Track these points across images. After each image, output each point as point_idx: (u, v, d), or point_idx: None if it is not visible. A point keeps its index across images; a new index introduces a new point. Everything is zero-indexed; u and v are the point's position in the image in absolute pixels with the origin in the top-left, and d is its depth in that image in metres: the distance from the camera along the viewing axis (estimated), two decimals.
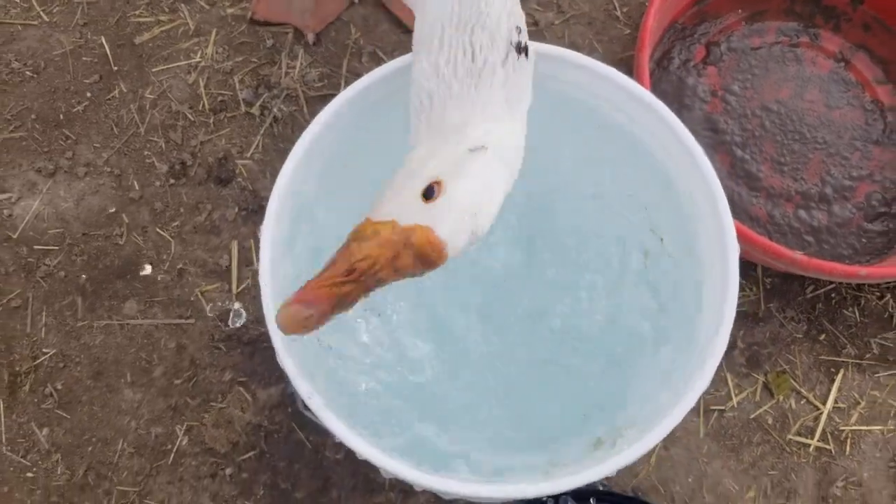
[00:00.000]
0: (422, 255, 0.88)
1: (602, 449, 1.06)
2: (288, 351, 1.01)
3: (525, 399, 1.28)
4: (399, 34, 1.87)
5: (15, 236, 1.72)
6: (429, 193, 0.90)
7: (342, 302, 0.86)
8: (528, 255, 1.34)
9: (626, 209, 1.27)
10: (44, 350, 1.65)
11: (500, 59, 0.97)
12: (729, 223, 1.04)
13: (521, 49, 1.00)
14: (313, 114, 1.75)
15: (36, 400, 1.63)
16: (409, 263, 0.88)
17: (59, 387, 1.63)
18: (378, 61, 1.85)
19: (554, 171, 1.29)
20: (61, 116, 1.80)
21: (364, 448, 0.97)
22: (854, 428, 1.63)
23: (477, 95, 0.96)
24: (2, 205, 1.74)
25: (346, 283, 0.86)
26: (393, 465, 0.97)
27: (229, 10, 1.87)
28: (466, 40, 0.97)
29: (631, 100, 1.14)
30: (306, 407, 1.02)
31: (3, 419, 1.61)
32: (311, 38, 1.84)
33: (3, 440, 1.60)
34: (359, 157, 1.20)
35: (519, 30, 1.01)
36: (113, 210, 1.74)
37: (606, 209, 1.29)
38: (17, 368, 1.65)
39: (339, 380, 1.20)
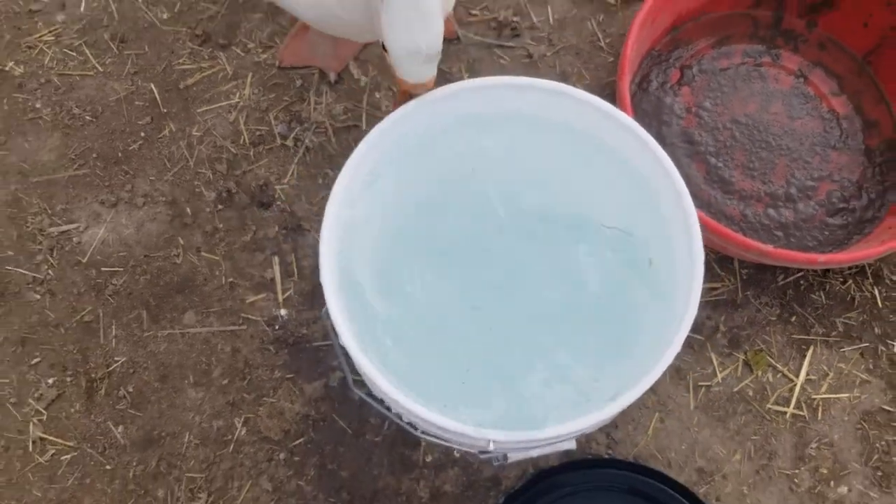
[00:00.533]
0: (415, 90, 1.36)
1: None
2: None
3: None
4: None
5: (84, 261, 1.97)
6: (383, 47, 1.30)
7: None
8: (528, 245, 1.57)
9: (611, 210, 1.50)
10: (115, 358, 1.89)
11: None
12: (692, 211, 1.28)
13: None
14: (340, 143, 2.04)
15: (111, 402, 1.86)
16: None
17: (131, 389, 1.87)
18: (392, 95, 2.11)
19: (553, 182, 1.53)
20: (119, 154, 2.05)
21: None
22: (824, 396, 1.87)
23: None
24: (71, 233, 1.99)
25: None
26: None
27: (262, 56, 2.13)
28: None
29: (609, 121, 1.39)
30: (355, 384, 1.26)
31: (83, 420, 1.85)
32: (333, 77, 2.10)
33: (85, 438, 1.84)
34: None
35: None
36: (169, 234, 1.98)
37: (597, 211, 1.53)
38: (93, 375, 1.88)
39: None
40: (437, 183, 1.54)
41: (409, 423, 1.44)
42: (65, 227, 1.99)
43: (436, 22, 1.23)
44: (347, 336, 1.24)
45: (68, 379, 1.88)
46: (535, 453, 1.47)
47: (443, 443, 1.52)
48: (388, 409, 1.66)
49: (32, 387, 1.87)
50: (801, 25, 2.15)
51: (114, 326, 1.92)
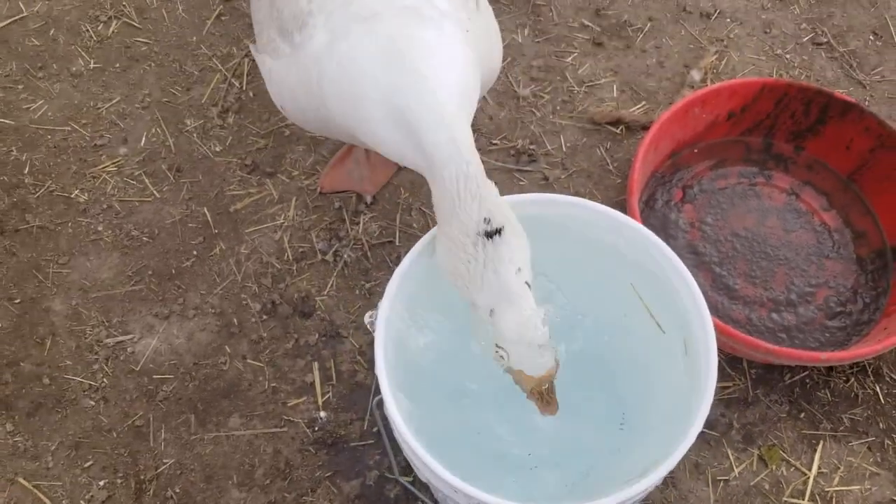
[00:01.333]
0: (539, 384, 1.42)
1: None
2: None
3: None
4: None
5: (137, 369, 2.12)
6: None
7: None
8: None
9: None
10: (163, 461, 2.00)
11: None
12: (704, 307, 1.44)
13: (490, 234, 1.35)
14: (375, 258, 2.22)
15: (158, 502, 1.96)
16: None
17: (178, 490, 1.97)
18: (424, 215, 2.32)
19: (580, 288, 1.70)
20: (173, 271, 2.24)
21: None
22: (837, 489, 1.96)
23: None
24: (126, 344, 2.15)
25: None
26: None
27: (305, 182, 2.36)
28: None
29: (634, 234, 1.57)
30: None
31: None
32: (368, 199, 2.32)
33: None
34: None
35: (487, 220, 1.34)
36: (217, 343, 2.14)
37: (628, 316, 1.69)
38: (142, 477, 1.99)
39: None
40: None
41: None
42: (120, 338, 2.15)
43: (541, 320, 1.36)
44: (402, 425, 1.37)
45: (119, 481, 1.98)
46: None
47: None
48: (431, 497, 1.77)
49: (84, 489, 1.97)
50: (789, 150, 2.38)
51: (163, 430, 2.04)
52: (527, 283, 1.35)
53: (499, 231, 1.33)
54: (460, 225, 1.35)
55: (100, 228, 2.31)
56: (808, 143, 2.35)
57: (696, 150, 2.37)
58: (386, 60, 1.45)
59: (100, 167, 2.41)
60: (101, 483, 1.98)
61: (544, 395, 1.41)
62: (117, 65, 2.62)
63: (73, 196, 2.36)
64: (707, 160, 2.37)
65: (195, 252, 2.27)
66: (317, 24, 1.57)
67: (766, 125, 2.35)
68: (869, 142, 2.22)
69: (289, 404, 2.06)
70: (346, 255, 2.23)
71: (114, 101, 2.54)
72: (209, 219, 2.32)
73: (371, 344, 2.01)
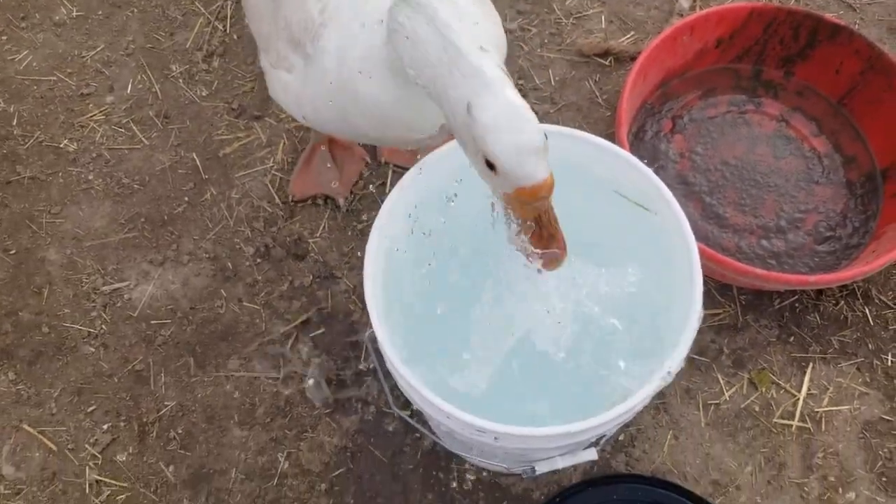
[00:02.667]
0: (536, 196, 1.16)
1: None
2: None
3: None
4: None
5: (135, 315, 2.14)
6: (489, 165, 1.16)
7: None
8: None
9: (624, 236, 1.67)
10: (165, 403, 2.04)
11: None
12: (689, 232, 1.45)
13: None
14: (367, 198, 2.21)
15: (162, 444, 2.00)
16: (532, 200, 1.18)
17: (180, 431, 2.01)
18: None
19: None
20: (165, 217, 2.25)
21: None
22: (826, 409, 2.00)
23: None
24: (122, 291, 2.17)
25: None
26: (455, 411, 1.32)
27: (293, 125, 2.36)
28: None
29: (626, 165, 1.56)
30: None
31: (136, 462, 1.99)
32: (342, 203, 2.22)
33: (138, 479, 1.97)
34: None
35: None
36: (213, 287, 2.16)
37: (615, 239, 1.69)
38: (145, 420, 2.03)
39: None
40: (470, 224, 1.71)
41: (444, 434, 1.58)
42: (117, 285, 2.17)
43: (529, 110, 1.12)
44: (392, 351, 1.39)
45: (122, 424, 2.02)
46: (561, 464, 1.60)
47: (479, 460, 1.65)
48: (430, 429, 1.81)
49: (88, 433, 2.01)
50: (779, 76, 2.36)
51: (163, 374, 2.07)
52: (501, 68, 1.14)
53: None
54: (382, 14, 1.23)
55: (90, 177, 2.31)
56: (798, 69, 2.34)
57: (685, 80, 2.35)
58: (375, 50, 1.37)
59: (87, 116, 2.40)
60: (105, 427, 2.02)
61: (545, 223, 1.18)
62: (100, 12, 2.59)
63: (62, 146, 2.35)
64: (696, 89, 2.36)
65: (186, 198, 2.27)
66: (330, 36, 1.47)
67: (755, 51, 2.33)
68: (859, 64, 2.20)
69: (286, 345, 2.08)
70: (336, 199, 2.24)
71: (98, 49, 2.51)
72: (199, 164, 2.32)
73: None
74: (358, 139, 1.83)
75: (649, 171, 1.53)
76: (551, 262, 1.25)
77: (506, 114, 1.10)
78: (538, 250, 1.24)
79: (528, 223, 1.21)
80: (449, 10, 1.18)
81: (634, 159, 1.52)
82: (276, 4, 1.61)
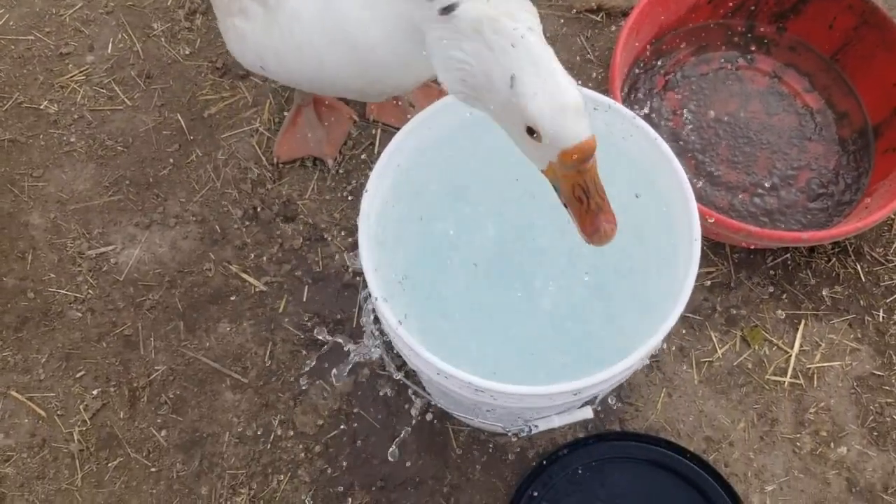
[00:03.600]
0: (580, 156, 1.16)
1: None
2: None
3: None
4: None
5: (122, 279, 2.11)
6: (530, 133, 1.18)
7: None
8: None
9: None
10: (155, 367, 2.02)
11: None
12: (688, 188, 1.43)
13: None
14: (356, 160, 2.18)
15: (153, 408, 1.99)
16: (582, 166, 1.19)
17: (171, 395, 1.99)
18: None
19: None
20: (151, 180, 2.21)
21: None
22: (818, 365, 2.01)
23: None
24: (108, 255, 2.13)
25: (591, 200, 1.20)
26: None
27: (279, 84, 2.31)
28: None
29: (622, 121, 1.53)
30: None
31: (127, 427, 1.97)
32: (331, 163, 2.19)
33: (130, 444, 1.95)
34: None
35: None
36: (201, 251, 2.13)
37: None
38: (135, 385, 2.01)
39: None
40: (465, 175, 1.68)
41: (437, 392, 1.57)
42: (102, 249, 2.13)
43: (568, 75, 1.16)
44: (388, 311, 1.37)
45: (112, 389, 2.00)
46: (557, 423, 1.60)
47: (476, 420, 1.65)
48: (425, 390, 1.80)
49: (78, 399, 1.99)
50: (771, 31, 2.34)
51: (153, 338, 2.05)
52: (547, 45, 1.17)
53: (450, 7, 1.19)
54: (426, 23, 1.24)
55: (72, 139, 2.26)
56: (791, 24, 2.31)
57: (677, 36, 2.32)
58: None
59: (67, 76, 2.34)
60: (95, 392, 1.99)
61: (592, 191, 1.18)
62: None
63: (42, 107, 2.30)
64: (689, 46, 2.33)
65: (171, 160, 2.23)
66: None
67: (747, 6, 2.30)
68: (852, 19, 2.18)
69: (277, 308, 2.06)
70: (326, 160, 2.20)
71: (76, 7, 2.44)
72: (183, 125, 2.27)
73: (356, 245, 2.01)
74: (323, 91, 1.79)
75: (649, 128, 1.51)
76: (598, 233, 1.21)
77: (546, 79, 1.13)
78: (587, 229, 1.22)
79: (576, 196, 1.19)
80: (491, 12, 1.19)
81: (638, 119, 1.49)
82: None
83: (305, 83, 1.65)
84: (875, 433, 1.94)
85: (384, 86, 1.55)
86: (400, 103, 2.23)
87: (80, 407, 1.98)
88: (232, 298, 2.07)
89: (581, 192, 1.19)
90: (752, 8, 2.30)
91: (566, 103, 1.13)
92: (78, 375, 2.01)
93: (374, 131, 2.25)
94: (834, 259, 2.11)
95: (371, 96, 1.68)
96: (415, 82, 1.56)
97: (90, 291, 2.09)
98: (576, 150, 1.15)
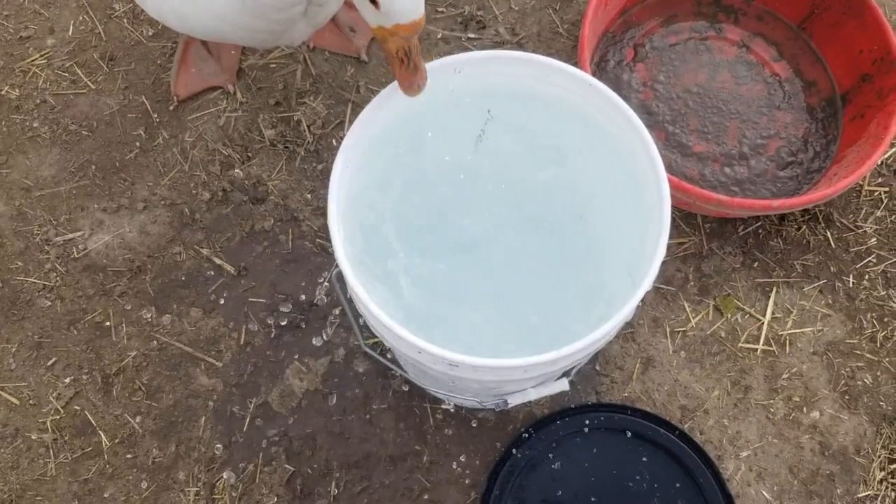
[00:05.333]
0: (411, 32, 1.34)
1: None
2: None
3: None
4: (386, 66, 2.29)
5: (91, 265, 2.08)
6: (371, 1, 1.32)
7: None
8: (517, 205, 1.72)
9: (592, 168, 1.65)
10: (128, 353, 2.00)
11: None
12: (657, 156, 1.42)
13: None
14: (326, 138, 2.16)
15: (127, 394, 1.97)
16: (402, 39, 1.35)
17: (145, 381, 1.98)
18: (371, 92, 2.26)
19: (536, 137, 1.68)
20: (117, 164, 2.17)
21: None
22: (790, 332, 2.03)
23: None
24: (76, 241, 2.10)
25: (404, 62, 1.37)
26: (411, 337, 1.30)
27: (245, 63, 2.27)
28: None
29: (590, 91, 1.52)
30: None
31: (102, 414, 1.95)
32: (231, 88, 2.21)
33: (105, 431, 1.94)
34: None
35: None
36: (171, 235, 2.10)
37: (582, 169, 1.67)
38: (108, 371, 1.99)
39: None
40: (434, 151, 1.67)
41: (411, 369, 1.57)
42: (70, 236, 2.10)
43: None
44: (362, 292, 1.36)
45: (84, 377, 1.98)
46: (533, 395, 1.61)
47: (451, 396, 1.65)
48: (400, 367, 1.80)
49: (51, 387, 1.96)
50: (739, 1, 2.34)
51: (124, 324, 2.02)
52: None
53: None
54: None
55: (35, 125, 2.21)
56: None
57: (645, 7, 2.32)
58: None
59: (28, 60, 2.29)
60: (67, 380, 1.97)
61: (413, 55, 1.36)
62: None
63: (3, 93, 2.25)
64: (657, 16, 2.32)
65: (138, 143, 2.19)
66: None
67: None
68: None
69: (250, 289, 2.04)
70: (295, 140, 2.18)
71: None
72: (149, 107, 2.23)
73: (327, 225, 1.99)
74: (225, 41, 1.84)
75: (616, 97, 1.50)
76: (412, 87, 1.40)
77: None
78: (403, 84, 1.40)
79: (399, 56, 1.37)
80: None
81: (598, 83, 1.48)
82: None
83: (205, 35, 1.75)
84: (847, 397, 1.97)
85: (281, 39, 1.69)
86: (339, 30, 2.28)
87: (53, 396, 1.95)
88: (203, 282, 2.05)
89: (403, 54, 1.36)
90: None
91: None
92: (49, 364, 1.99)
93: (343, 108, 2.23)
94: (804, 227, 2.13)
95: (276, 42, 1.79)
96: (308, 31, 1.72)
97: (59, 279, 2.06)
98: (410, 27, 1.33)
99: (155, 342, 2.00)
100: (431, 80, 1.42)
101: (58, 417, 1.94)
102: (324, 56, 2.30)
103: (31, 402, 1.96)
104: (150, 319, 2.02)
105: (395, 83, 1.43)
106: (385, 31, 1.36)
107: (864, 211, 2.16)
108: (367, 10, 1.35)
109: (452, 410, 1.92)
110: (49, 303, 2.04)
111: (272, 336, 2.00)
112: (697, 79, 2.24)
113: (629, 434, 1.86)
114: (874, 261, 2.10)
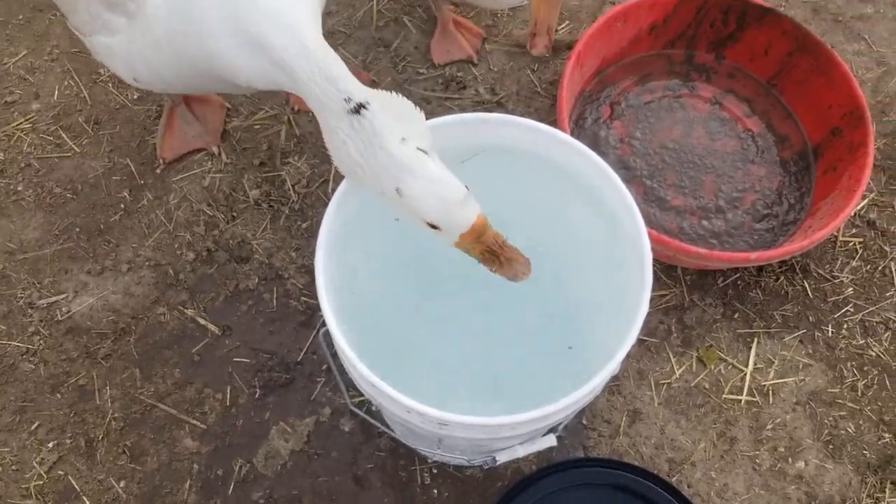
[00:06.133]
0: (475, 236, 1.35)
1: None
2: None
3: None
4: None
5: (74, 328, 2.07)
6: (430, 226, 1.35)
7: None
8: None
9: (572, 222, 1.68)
10: (112, 416, 1.98)
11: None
12: (638, 216, 1.46)
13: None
14: (310, 197, 2.18)
15: (111, 458, 1.94)
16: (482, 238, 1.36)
17: (129, 444, 1.95)
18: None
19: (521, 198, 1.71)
20: (101, 226, 2.18)
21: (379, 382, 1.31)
22: (773, 382, 2.05)
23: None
24: (60, 304, 2.10)
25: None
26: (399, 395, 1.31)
27: (230, 125, 2.31)
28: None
29: (571, 150, 1.56)
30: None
31: (86, 479, 1.92)
32: (215, 150, 2.26)
33: (88, 496, 1.91)
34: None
35: (348, 99, 1.31)
36: (155, 296, 2.10)
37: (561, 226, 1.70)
38: (92, 435, 1.96)
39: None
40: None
41: (398, 428, 1.56)
42: (54, 299, 2.09)
43: (446, 170, 1.33)
44: (349, 350, 1.37)
45: (68, 441, 1.95)
46: (521, 452, 1.61)
47: (439, 454, 1.65)
48: (387, 426, 1.79)
49: (34, 452, 1.94)
50: (710, 59, 2.41)
51: (108, 387, 2.01)
52: (420, 149, 1.32)
53: (363, 105, 1.32)
54: (330, 112, 1.34)
55: (20, 188, 2.23)
56: (729, 52, 2.39)
57: (621, 66, 2.39)
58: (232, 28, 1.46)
59: (13, 125, 2.31)
60: (51, 445, 1.95)
61: (498, 250, 1.37)
62: (20, 17, 2.50)
63: None
64: (632, 76, 2.39)
65: (122, 205, 2.21)
66: None
67: (687, 36, 2.38)
68: (787, 45, 2.26)
69: (235, 349, 2.04)
70: (279, 199, 2.20)
71: (20, 56, 2.42)
72: (133, 170, 2.25)
73: (313, 283, 2.01)
74: (198, 90, 1.89)
75: (593, 154, 1.54)
76: (518, 279, 1.42)
77: (428, 183, 1.30)
78: (507, 276, 1.41)
79: (487, 258, 1.39)
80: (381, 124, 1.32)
81: (578, 143, 1.52)
82: None
83: (180, 85, 1.75)
84: (831, 446, 1.98)
85: (253, 88, 1.67)
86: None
87: (36, 461, 1.93)
88: (188, 343, 2.05)
89: (489, 253, 1.38)
90: (692, 37, 2.38)
91: (449, 199, 1.31)
92: (32, 428, 1.96)
93: (327, 167, 2.26)
94: (782, 277, 2.17)
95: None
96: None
97: (42, 342, 2.05)
98: (470, 233, 1.34)
99: (139, 405, 1.99)
100: None
101: (41, 483, 1.91)
102: (308, 116, 2.34)
103: (13, 467, 1.93)
104: (133, 381, 2.01)
105: None
106: (461, 245, 1.38)
107: (839, 261, 2.20)
108: (434, 234, 1.38)
109: (439, 468, 1.92)
110: (32, 366, 2.03)
111: (256, 396, 2.00)
112: (673, 135, 2.30)
113: (618, 489, 1.85)
114: (852, 310, 2.14)
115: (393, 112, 1.33)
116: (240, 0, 1.43)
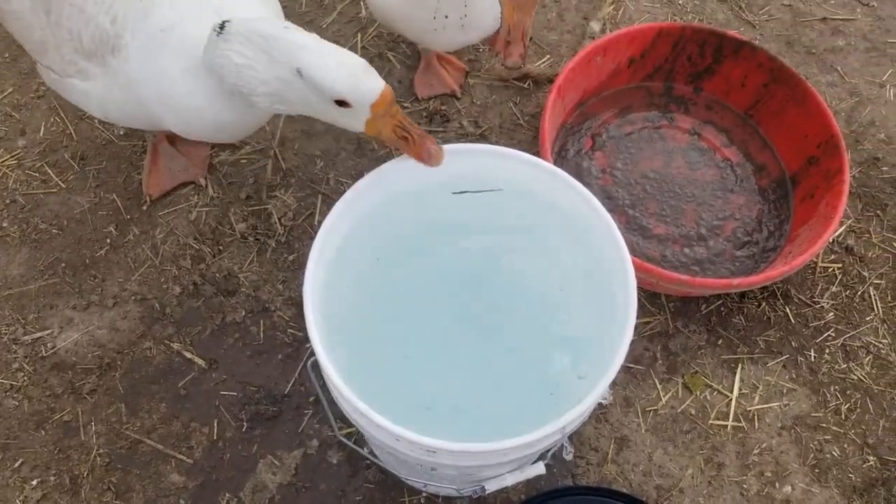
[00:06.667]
0: (387, 102, 1.40)
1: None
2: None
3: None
4: (355, 160, 2.35)
5: (60, 363, 2.06)
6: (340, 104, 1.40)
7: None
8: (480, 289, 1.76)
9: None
10: (98, 452, 1.96)
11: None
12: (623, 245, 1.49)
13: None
14: (297, 230, 2.20)
15: (96, 495, 1.92)
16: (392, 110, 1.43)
17: (115, 480, 1.94)
18: (340, 184, 2.31)
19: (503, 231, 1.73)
20: (87, 261, 2.18)
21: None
22: (758, 407, 2.07)
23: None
24: (44, 339, 2.09)
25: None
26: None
27: (216, 159, 2.32)
28: None
29: (555, 180, 1.59)
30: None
31: None
32: (202, 182, 2.28)
33: None
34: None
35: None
36: (141, 330, 2.10)
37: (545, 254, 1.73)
38: (76, 472, 1.94)
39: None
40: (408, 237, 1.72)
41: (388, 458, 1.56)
42: (38, 334, 2.08)
43: (337, 46, 1.41)
44: (338, 379, 1.37)
45: (52, 478, 1.93)
46: (510, 481, 1.61)
47: (429, 485, 1.65)
48: (375, 456, 1.79)
49: (17, 490, 1.92)
50: (688, 91, 2.47)
51: (93, 423, 1.99)
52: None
53: (225, 22, 1.43)
54: (210, 53, 1.47)
55: (4, 224, 2.22)
56: (706, 84, 2.44)
57: (601, 99, 2.43)
58: (193, 71, 1.57)
59: None
60: (34, 482, 1.93)
61: (408, 129, 1.42)
62: (6, 55, 2.51)
63: None
64: (612, 108, 2.44)
65: (108, 240, 2.21)
66: (129, 44, 1.62)
67: (665, 69, 2.43)
68: (762, 77, 2.32)
69: (221, 382, 2.04)
70: (264, 231, 2.21)
71: (7, 93, 2.44)
72: (119, 205, 2.26)
73: (299, 315, 2.01)
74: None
75: (577, 184, 1.57)
76: (430, 156, 1.46)
77: (327, 55, 1.36)
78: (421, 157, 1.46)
79: (400, 136, 1.43)
80: (254, 24, 1.42)
81: (564, 174, 1.55)
82: (50, 16, 1.68)
83: (151, 129, 1.86)
84: (816, 470, 2.00)
85: (224, 135, 1.76)
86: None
87: (19, 499, 1.90)
88: (174, 377, 2.04)
89: (401, 130, 1.43)
90: (670, 70, 2.43)
91: (354, 66, 1.37)
92: (16, 466, 1.94)
93: (314, 199, 2.28)
94: (764, 303, 2.20)
95: (230, 139, 1.88)
96: (252, 128, 1.77)
97: (26, 379, 2.03)
98: (381, 100, 1.38)
99: (125, 440, 1.97)
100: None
101: None
102: (293, 150, 2.36)
103: None
104: (119, 417, 2.00)
105: (360, 181, 1.50)
106: (373, 124, 1.43)
107: (819, 287, 2.23)
108: (344, 116, 1.43)
109: (427, 499, 1.91)
110: (16, 403, 2.01)
111: (244, 430, 1.99)
112: (653, 165, 2.34)
113: None
114: (833, 335, 2.17)
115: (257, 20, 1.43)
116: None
